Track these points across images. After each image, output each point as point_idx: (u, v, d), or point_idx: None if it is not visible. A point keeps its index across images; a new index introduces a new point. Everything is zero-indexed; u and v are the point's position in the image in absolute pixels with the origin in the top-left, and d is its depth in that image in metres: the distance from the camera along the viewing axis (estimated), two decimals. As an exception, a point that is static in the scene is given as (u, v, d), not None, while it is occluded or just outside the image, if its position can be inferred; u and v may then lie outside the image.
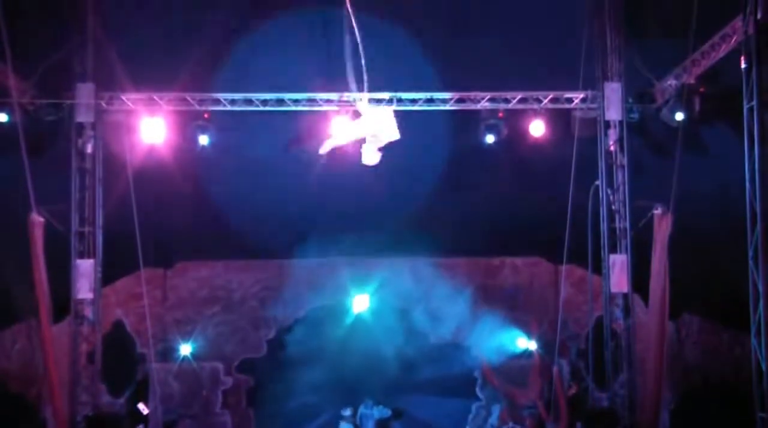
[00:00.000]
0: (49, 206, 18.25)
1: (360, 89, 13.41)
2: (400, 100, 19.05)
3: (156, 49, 18.74)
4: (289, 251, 21.70)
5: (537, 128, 19.50)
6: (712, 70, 18.05)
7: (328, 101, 18.97)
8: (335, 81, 15.00)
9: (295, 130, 19.65)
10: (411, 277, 22.10)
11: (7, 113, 18.17)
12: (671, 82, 18.91)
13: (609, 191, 19.42)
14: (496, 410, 22.30)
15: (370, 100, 18.03)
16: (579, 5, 18.68)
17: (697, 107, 18.42)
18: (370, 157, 12.94)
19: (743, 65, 14.71)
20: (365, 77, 13.34)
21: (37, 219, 17.92)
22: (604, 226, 19.38)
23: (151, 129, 19.28)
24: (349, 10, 13.20)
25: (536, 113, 19.47)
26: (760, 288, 14.33)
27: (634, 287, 19.42)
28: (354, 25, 13.23)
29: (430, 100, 19.33)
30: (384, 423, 21.73)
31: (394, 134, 13.28)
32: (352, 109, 17.97)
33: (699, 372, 21.25)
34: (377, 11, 14.79)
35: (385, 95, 18.65)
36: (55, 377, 18.43)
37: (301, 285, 22.17)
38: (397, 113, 18.63)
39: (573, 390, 21.45)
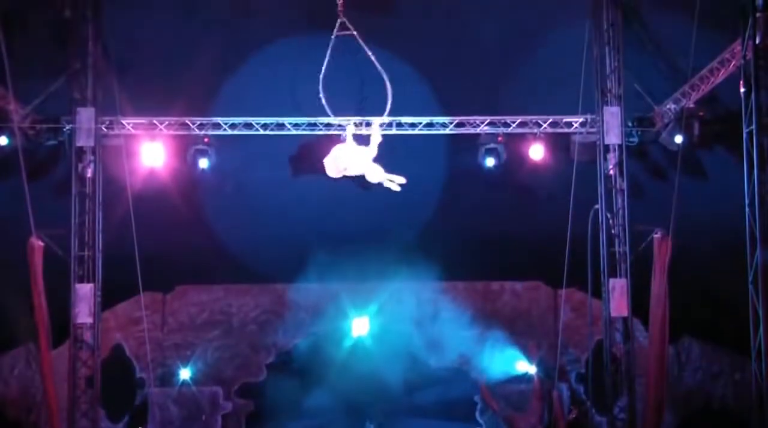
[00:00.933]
0: (49, 230, 18.24)
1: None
2: (399, 124, 19.08)
3: (156, 74, 18.77)
4: (289, 275, 21.68)
5: (536, 152, 19.53)
6: (711, 95, 18.11)
7: (329, 125, 18.98)
8: (336, 105, 15.02)
9: (297, 154, 19.69)
10: (411, 302, 22.09)
11: (8, 137, 18.22)
12: (670, 106, 18.95)
13: (608, 215, 19.40)
14: (496, 435, 22.26)
15: (370, 124, 18.21)
16: (578, 29, 18.71)
17: (696, 131, 18.47)
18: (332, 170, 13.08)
19: (742, 89, 14.76)
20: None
21: (37, 243, 17.92)
22: (603, 250, 19.35)
23: (151, 153, 19.31)
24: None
25: (536, 137, 19.49)
26: (760, 312, 14.32)
27: (634, 311, 19.37)
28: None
29: (429, 124, 19.35)
30: (384, 446, 21.73)
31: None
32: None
33: (700, 396, 21.24)
34: (377, 35, 14.83)
35: (385, 119, 18.67)
36: (54, 402, 18.38)
37: (301, 309, 22.16)
38: (397, 137, 18.93)
39: (573, 415, 21.41)
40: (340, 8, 14.07)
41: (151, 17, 18.36)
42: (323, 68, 14.19)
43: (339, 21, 14.18)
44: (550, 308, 22.46)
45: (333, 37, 14.14)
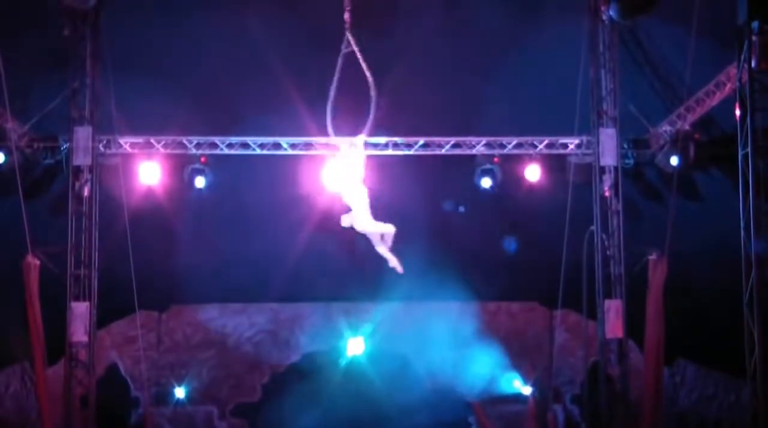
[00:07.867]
0: (46, 248, 18.24)
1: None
2: (396, 145, 19.12)
3: (153, 93, 18.79)
4: (285, 295, 21.67)
5: (532, 173, 19.58)
6: (706, 117, 18.19)
7: (326, 145, 18.99)
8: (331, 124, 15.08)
9: (292, 174, 19.70)
10: (406, 322, 22.07)
11: (5, 155, 18.24)
12: (666, 128, 19.01)
13: (604, 236, 19.40)
14: (490, 456, 22.21)
15: (367, 144, 18.25)
16: (574, 51, 18.77)
17: (691, 153, 18.53)
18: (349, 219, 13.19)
19: (737, 112, 14.81)
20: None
21: (33, 261, 17.91)
22: (598, 272, 19.35)
23: (148, 172, 19.34)
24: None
25: (532, 158, 19.55)
26: (755, 334, 14.34)
27: (629, 332, 19.37)
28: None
29: (425, 145, 19.39)
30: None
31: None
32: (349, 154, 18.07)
33: (694, 419, 21.21)
34: (372, 56, 14.88)
35: (382, 139, 18.72)
36: (49, 421, 18.33)
37: (296, 329, 22.16)
38: (393, 158, 18.97)
39: (568, 437, 21.41)
40: (347, 26, 14.09)
41: (149, 37, 18.41)
42: (332, 89, 14.14)
43: (346, 38, 14.17)
44: (545, 329, 22.45)
45: (341, 54, 14.13)
